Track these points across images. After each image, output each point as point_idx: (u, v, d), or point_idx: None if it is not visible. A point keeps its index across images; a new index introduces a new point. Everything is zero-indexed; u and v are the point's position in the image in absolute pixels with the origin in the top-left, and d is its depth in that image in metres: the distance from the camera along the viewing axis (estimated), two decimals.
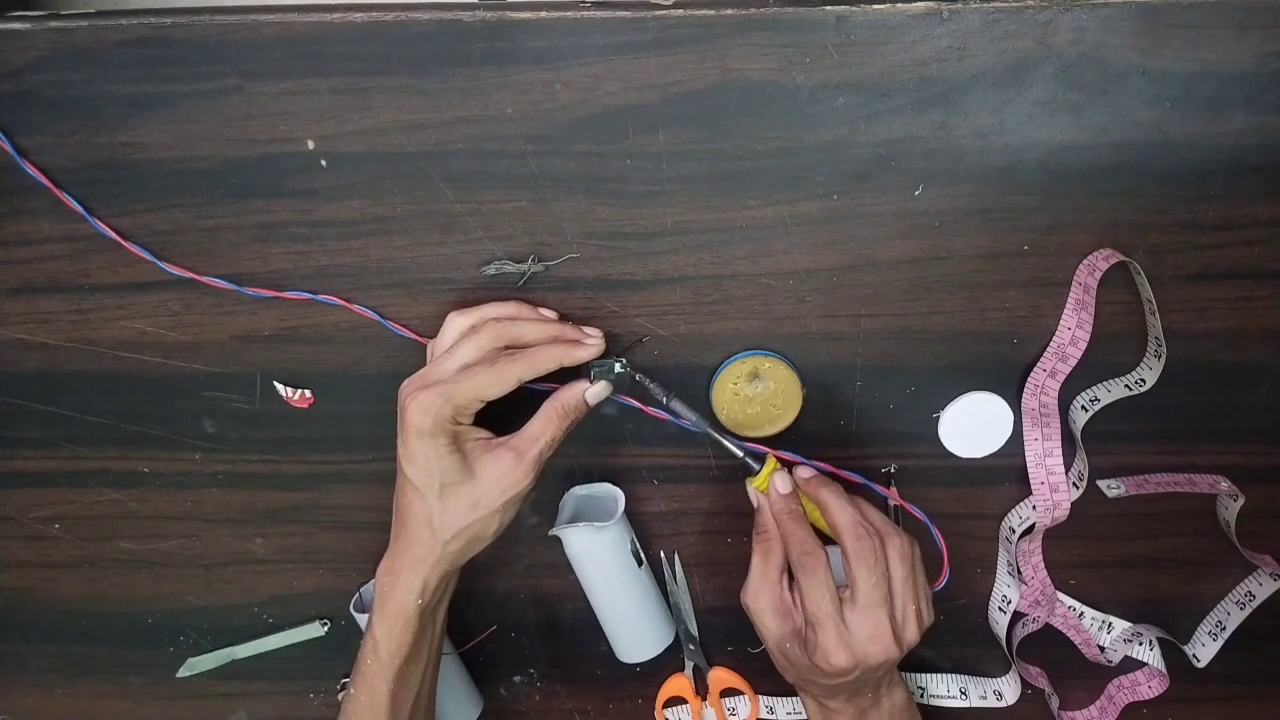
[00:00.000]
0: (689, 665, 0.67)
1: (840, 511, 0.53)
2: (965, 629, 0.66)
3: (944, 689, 0.67)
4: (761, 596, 0.54)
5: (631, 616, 0.63)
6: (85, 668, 0.69)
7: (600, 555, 0.60)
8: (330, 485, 0.63)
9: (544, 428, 0.52)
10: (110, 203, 0.54)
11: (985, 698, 0.67)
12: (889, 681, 0.57)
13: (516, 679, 0.69)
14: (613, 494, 0.61)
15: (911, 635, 0.53)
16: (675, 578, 0.65)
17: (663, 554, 0.64)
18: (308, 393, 0.59)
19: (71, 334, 0.58)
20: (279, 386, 0.59)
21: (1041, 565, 0.62)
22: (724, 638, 0.67)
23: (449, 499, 0.51)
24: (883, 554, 0.52)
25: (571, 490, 0.62)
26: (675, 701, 0.68)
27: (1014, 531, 0.62)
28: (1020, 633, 0.65)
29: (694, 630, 0.66)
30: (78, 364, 0.59)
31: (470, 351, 0.51)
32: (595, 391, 0.53)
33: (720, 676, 0.67)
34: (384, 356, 0.58)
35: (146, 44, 0.50)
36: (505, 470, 0.51)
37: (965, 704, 0.67)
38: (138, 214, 0.54)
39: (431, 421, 0.49)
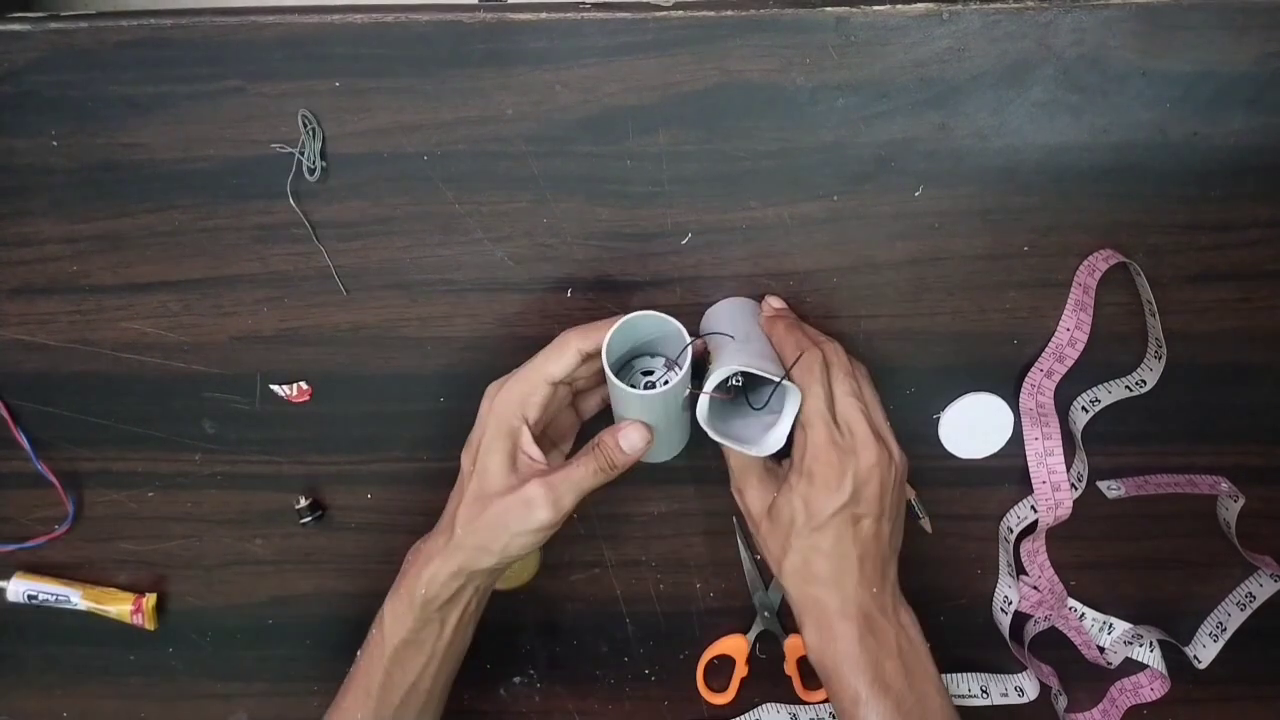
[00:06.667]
0: (756, 629, 0.65)
1: (807, 328, 0.53)
2: (968, 630, 0.66)
3: (965, 688, 0.66)
4: (750, 471, 0.53)
5: (663, 431, 0.53)
6: (85, 668, 0.68)
7: (656, 411, 0.51)
8: (330, 485, 0.63)
9: (584, 475, 0.50)
10: (110, 203, 0.54)
11: (1006, 695, 0.66)
12: (897, 602, 0.52)
13: (516, 679, 0.69)
14: (672, 330, 0.49)
15: (893, 442, 0.51)
16: (743, 546, 0.63)
17: (735, 520, 0.63)
18: (303, 384, 0.59)
19: (71, 335, 0.58)
20: (275, 388, 0.59)
21: (1048, 564, 0.62)
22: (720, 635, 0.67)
23: (477, 496, 0.50)
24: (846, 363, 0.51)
25: (625, 321, 0.48)
26: (717, 664, 0.67)
27: (1011, 531, 0.62)
28: (1031, 630, 0.65)
29: (771, 600, 0.64)
30: (77, 365, 0.59)
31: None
32: (630, 442, 0.50)
33: (798, 644, 0.64)
34: (384, 358, 0.58)
35: (147, 45, 0.50)
36: (530, 501, 0.49)
37: (988, 702, 0.66)
38: (138, 214, 0.54)
39: (495, 405, 0.50)
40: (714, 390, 0.48)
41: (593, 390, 0.56)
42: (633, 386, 0.49)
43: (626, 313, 0.48)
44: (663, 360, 0.53)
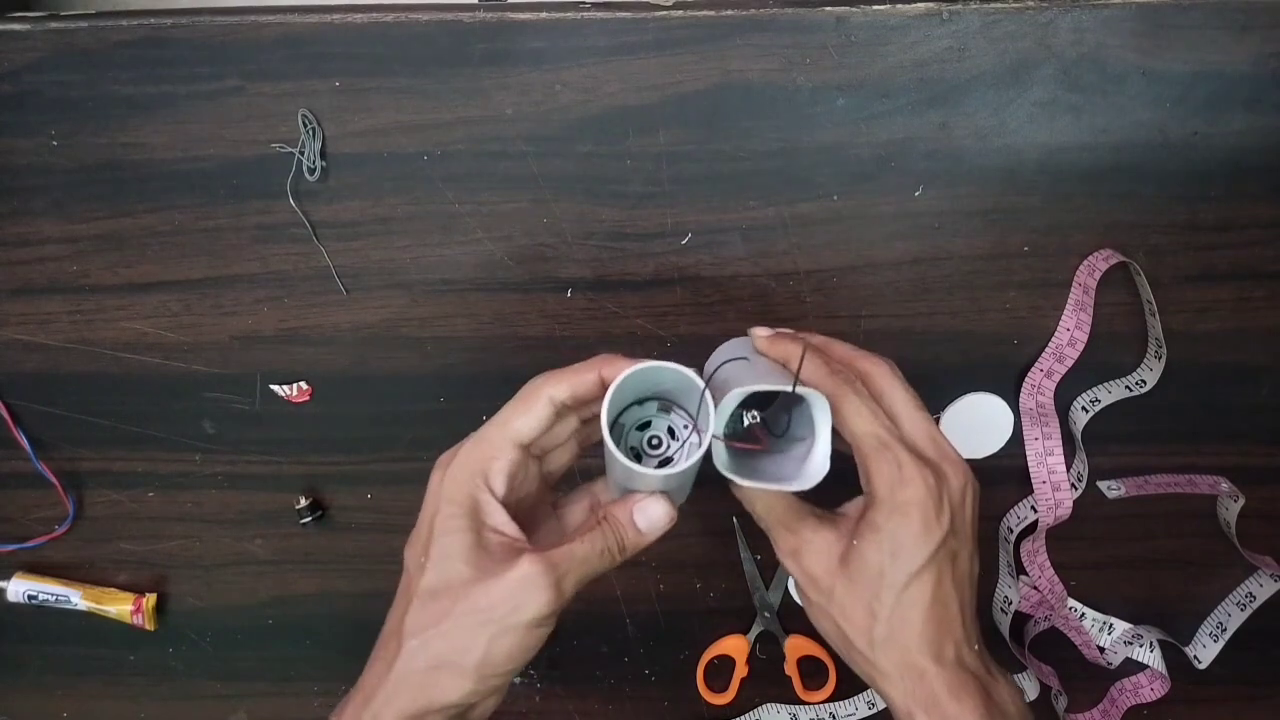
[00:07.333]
0: (756, 629, 0.65)
1: (839, 347, 0.43)
2: None
3: None
4: (799, 526, 0.42)
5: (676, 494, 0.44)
6: (85, 669, 0.68)
7: (672, 481, 0.42)
8: (330, 485, 0.63)
9: (590, 553, 0.39)
10: (110, 203, 0.54)
11: None
12: (998, 669, 0.43)
13: (516, 679, 0.69)
14: (672, 377, 0.38)
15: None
16: (743, 545, 0.63)
17: (736, 520, 0.63)
18: (304, 384, 0.59)
19: (71, 335, 0.58)
20: (275, 388, 0.59)
21: (1048, 564, 0.62)
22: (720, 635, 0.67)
23: (435, 591, 0.38)
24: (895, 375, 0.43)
25: (619, 382, 0.38)
26: (717, 664, 0.67)
27: (1011, 531, 0.62)
28: (1031, 630, 0.65)
29: (771, 600, 0.63)
30: (78, 365, 0.59)
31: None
32: (650, 519, 0.40)
33: (798, 644, 0.64)
34: (384, 358, 0.58)
35: (147, 45, 0.50)
36: (522, 581, 0.37)
37: None
38: (138, 214, 0.54)
39: (447, 477, 0.39)
40: (726, 436, 0.39)
41: (573, 502, 0.45)
42: (630, 447, 0.41)
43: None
44: (655, 404, 0.42)
